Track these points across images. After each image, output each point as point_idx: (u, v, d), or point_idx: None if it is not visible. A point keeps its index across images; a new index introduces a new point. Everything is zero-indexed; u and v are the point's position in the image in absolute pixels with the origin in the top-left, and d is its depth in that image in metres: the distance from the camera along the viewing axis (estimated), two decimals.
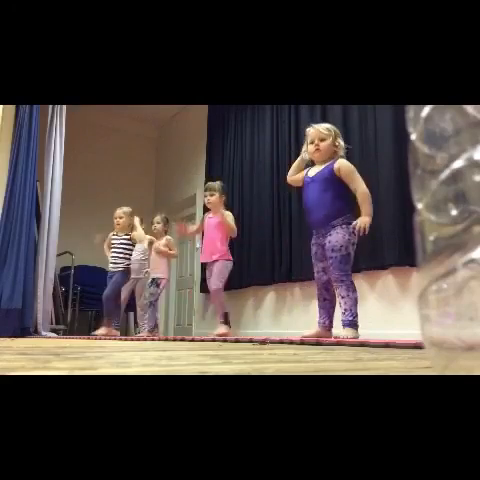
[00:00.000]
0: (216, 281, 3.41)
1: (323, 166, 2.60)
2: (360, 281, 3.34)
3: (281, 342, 2.03)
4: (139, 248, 4.19)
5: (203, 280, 4.80)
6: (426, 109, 0.36)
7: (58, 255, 4.77)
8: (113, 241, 4.14)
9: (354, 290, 2.44)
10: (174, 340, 2.66)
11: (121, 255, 4.08)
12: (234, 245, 4.64)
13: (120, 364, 0.72)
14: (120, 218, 4.15)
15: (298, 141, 4.03)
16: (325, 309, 2.60)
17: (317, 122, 3.79)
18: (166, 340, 2.71)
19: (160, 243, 3.95)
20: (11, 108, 4.40)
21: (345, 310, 2.41)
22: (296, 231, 3.88)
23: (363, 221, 2.44)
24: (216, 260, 3.46)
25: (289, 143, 4.14)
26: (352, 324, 2.38)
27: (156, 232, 4.01)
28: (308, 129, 2.70)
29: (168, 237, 4.04)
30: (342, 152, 2.63)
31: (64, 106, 4.72)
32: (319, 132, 2.61)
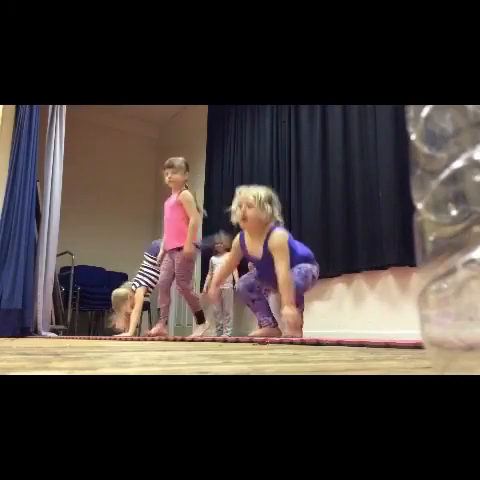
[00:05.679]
0: None
1: (259, 244, 2.42)
2: (360, 281, 3.35)
3: (281, 342, 2.03)
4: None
5: (203, 280, 4.81)
6: (426, 109, 0.36)
7: (58, 255, 4.77)
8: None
9: (301, 304, 2.50)
10: (174, 340, 2.66)
11: None
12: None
13: (120, 364, 0.72)
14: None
15: (298, 141, 4.04)
16: (259, 309, 2.61)
17: (317, 122, 3.83)
18: (166, 340, 2.71)
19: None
20: (11, 108, 4.40)
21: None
22: (295, 231, 3.87)
23: (286, 315, 2.29)
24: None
25: (289, 143, 4.15)
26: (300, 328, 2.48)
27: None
28: (237, 190, 2.50)
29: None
30: (276, 218, 2.43)
31: (64, 106, 4.72)
32: (246, 196, 2.40)
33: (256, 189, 2.46)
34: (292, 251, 2.42)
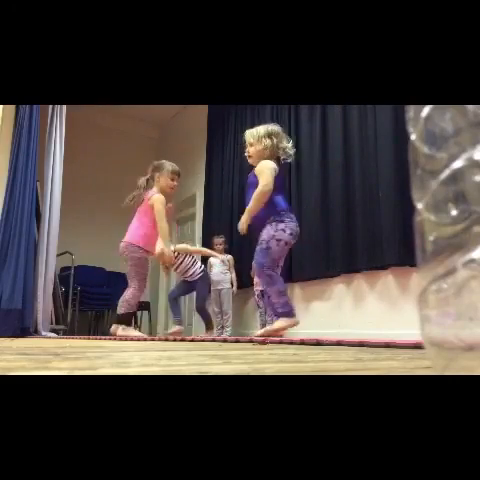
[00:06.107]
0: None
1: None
2: (360, 281, 3.34)
3: (281, 342, 2.03)
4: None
5: None
6: (426, 109, 0.36)
7: (58, 255, 4.77)
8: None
9: (273, 283, 2.42)
10: (174, 340, 2.66)
11: None
12: (234, 245, 4.66)
13: (120, 364, 0.72)
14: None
15: (298, 141, 4.03)
16: (270, 306, 2.62)
17: (317, 122, 3.83)
18: (166, 340, 2.71)
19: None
20: (11, 108, 4.39)
21: (273, 303, 2.45)
22: None
23: (241, 222, 2.49)
24: None
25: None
26: (282, 315, 2.40)
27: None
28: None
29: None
30: (285, 149, 2.59)
31: (64, 106, 4.72)
32: (247, 137, 2.65)
33: (257, 128, 2.67)
34: (274, 204, 2.50)
